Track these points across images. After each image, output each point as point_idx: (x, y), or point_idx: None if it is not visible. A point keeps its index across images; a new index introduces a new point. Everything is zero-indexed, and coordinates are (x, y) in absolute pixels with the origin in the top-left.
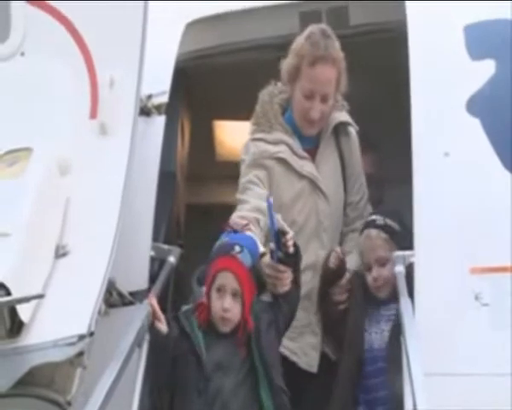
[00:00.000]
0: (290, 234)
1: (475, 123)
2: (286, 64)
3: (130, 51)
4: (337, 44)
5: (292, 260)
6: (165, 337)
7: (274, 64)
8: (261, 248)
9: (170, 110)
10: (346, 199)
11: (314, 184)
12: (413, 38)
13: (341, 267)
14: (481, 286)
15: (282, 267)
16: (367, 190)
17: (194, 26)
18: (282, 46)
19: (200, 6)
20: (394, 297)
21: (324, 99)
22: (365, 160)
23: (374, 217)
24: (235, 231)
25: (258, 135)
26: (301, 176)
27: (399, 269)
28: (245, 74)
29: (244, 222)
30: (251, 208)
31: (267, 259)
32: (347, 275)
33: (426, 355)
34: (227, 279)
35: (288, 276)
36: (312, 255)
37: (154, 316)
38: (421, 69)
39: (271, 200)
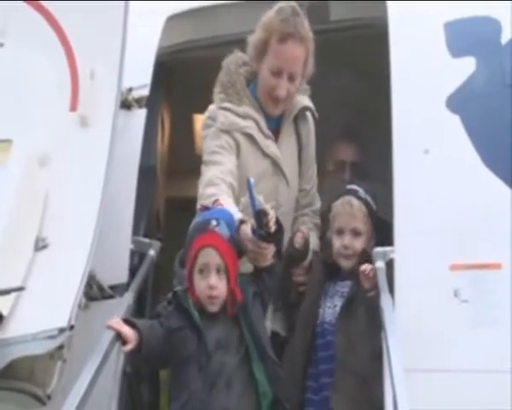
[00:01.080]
0: (271, 214)
1: (455, 120)
2: (253, 39)
3: (111, 44)
4: (306, 23)
5: (274, 237)
6: (157, 315)
7: None
8: (238, 215)
9: (150, 104)
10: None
11: (277, 166)
12: (393, 35)
13: (306, 248)
14: (461, 283)
15: (264, 245)
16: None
17: (174, 19)
18: None
19: (180, 0)
20: (352, 273)
21: (291, 78)
22: (351, 148)
23: (355, 187)
24: (208, 209)
25: (227, 104)
26: (265, 155)
27: (380, 265)
28: None
29: (213, 198)
30: (225, 171)
31: (248, 230)
32: (309, 256)
33: (405, 351)
34: (209, 256)
35: (270, 251)
36: None
37: (121, 338)
38: (402, 66)
39: (253, 180)
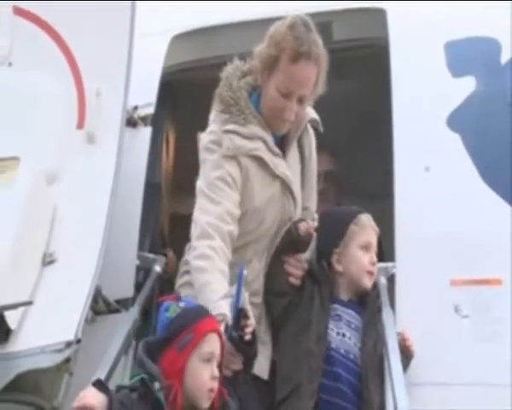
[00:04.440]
0: (251, 321)
1: (456, 138)
2: (262, 52)
3: (117, 63)
4: (319, 39)
5: (244, 348)
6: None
7: None
8: (216, 311)
9: (155, 122)
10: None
11: (285, 186)
12: (394, 55)
13: (307, 241)
14: (461, 298)
15: (230, 348)
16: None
17: (180, 39)
18: None
19: (186, 19)
20: (359, 303)
21: (301, 100)
22: (325, 157)
23: None
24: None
25: (231, 126)
26: (275, 176)
27: (382, 280)
28: None
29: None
30: (222, 214)
31: (221, 327)
32: (307, 254)
33: None
34: (215, 344)
35: (233, 361)
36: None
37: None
38: (403, 85)
39: (245, 271)
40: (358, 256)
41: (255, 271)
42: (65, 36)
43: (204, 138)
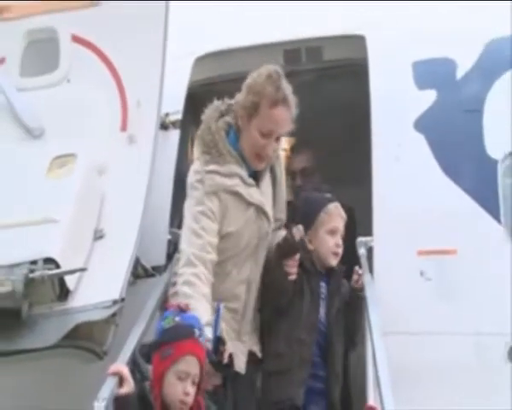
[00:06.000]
0: (228, 347)
1: (420, 138)
2: (243, 100)
3: (153, 78)
4: (288, 85)
5: (222, 369)
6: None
7: None
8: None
9: (182, 126)
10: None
11: (259, 209)
12: (373, 71)
13: (300, 243)
14: (426, 265)
15: (210, 369)
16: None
17: (202, 59)
18: None
19: (206, 44)
20: (328, 275)
21: (278, 138)
22: (301, 157)
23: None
24: (182, 310)
25: (212, 167)
26: (249, 204)
27: (362, 252)
28: None
29: (185, 302)
30: (205, 245)
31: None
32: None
33: (382, 318)
34: (192, 365)
35: (214, 379)
36: (248, 270)
37: (121, 382)
38: (379, 95)
39: (222, 307)
40: (326, 240)
41: (235, 280)
42: (112, 59)
43: (190, 177)
